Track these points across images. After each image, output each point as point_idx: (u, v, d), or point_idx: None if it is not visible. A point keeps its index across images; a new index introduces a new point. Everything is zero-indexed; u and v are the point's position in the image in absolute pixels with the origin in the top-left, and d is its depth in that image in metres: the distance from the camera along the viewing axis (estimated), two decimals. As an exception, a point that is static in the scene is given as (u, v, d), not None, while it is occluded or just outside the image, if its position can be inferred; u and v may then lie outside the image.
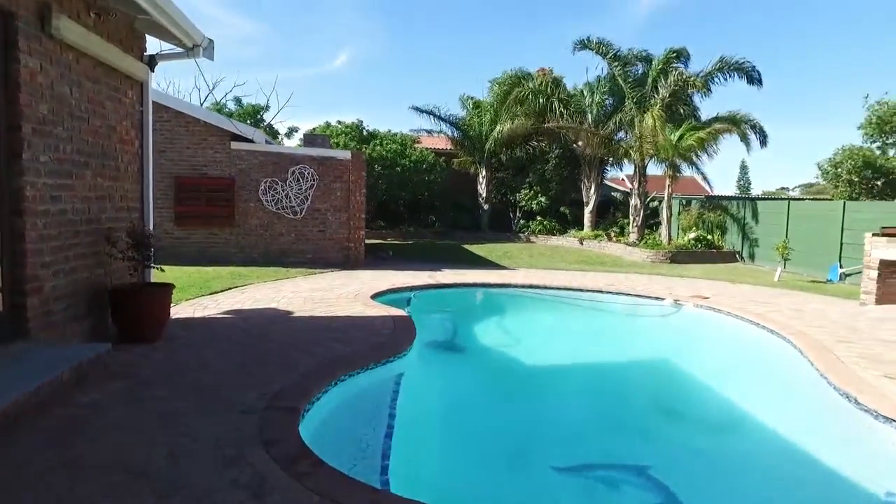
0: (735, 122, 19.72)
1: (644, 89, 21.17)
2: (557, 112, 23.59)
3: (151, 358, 5.87)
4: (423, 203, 26.91)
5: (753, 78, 19.92)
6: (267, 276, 12.25)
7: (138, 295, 6.37)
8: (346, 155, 15.41)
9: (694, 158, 20.80)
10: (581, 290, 11.86)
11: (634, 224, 22.11)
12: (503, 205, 27.55)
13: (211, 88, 32.18)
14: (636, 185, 22.06)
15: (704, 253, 19.68)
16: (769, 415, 6.31)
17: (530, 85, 23.85)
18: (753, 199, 22.83)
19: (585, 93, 24.39)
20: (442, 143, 28.07)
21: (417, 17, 69.67)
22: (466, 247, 22.15)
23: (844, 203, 16.68)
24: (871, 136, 20.93)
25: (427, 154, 25.36)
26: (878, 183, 19.97)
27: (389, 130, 25.92)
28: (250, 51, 52.88)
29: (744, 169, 64.11)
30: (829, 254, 16.41)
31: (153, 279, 7.23)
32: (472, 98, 27.38)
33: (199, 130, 14.27)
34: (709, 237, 20.49)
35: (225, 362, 5.86)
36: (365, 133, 24.58)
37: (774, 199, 30.46)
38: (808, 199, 30.90)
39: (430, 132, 26.99)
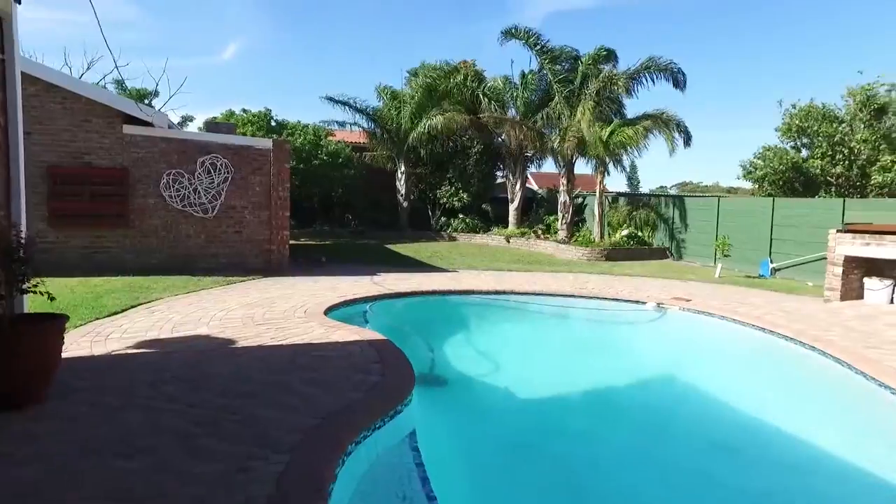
0: (664, 121, 19.36)
1: (572, 85, 20.38)
2: (484, 105, 22.34)
3: (33, 442, 3.65)
4: (337, 200, 24.68)
5: (679, 80, 19.65)
6: (176, 287, 9.79)
7: (8, 337, 4.06)
8: (266, 144, 13.05)
9: (623, 155, 20.29)
10: (554, 294, 10.49)
11: (563, 221, 21.31)
12: (422, 202, 25.93)
13: (87, 67, 27.51)
14: (564, 182, 21.27)
15: (637, 250, 19.20)
16: (850, 447, 5.17)
17: (458, 78, 22.43)
18: (682, 197, 22.85)
19: (509, 87, 23.28)
20: (357, 137, 25.94)
21: (317, 6, 66.14)
22: (390, 247, 20.33)
23: (773, 200, 16.70)
24: (789, 138, 21.53)
25: (343, 147, 23.17)
26: (796, 184, 20.60)
27: (299, 122, 23.42)
28: (133, 35, 47.08)
29: (633, 168, 66.75)
30: (758, 249, 16.35)
31: (29, 308, 4.88)
32: (389, 88, 25.47)
33: (80, 109, 11.36)
34: (639, 234, 20.07)
35: (162, 438, 3.76)
36: (274, 123, 21.97)
37: (702, 195, 31.12)
38: (711, 196, 31.94)
39: (343, 125, 24.71)
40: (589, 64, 20.15)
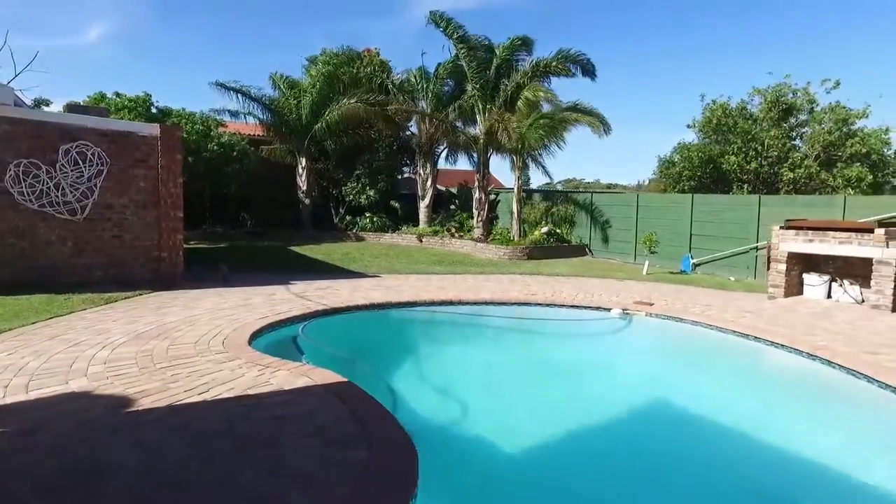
0: (587, 113, 18.86)
1: (487, 75, 19.31)
2: (393, 96, 20.72)
3: None
4: (231, 198, 21.94)
5: (588, 70, 19.20)
6: (31, 312, 7.35)
7: None
8: (152, 130, 10.63)
9: (542, 150, 19.57)
10: (506, 304, 9.18)
11: (479, 219, 20.22)
12: (326, 199, 23.82)
13: None
14: (479, 178, 20.18)
15: (557, 248, 18.53)
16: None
17: (362, 66, 20.61)
18: (600, 193, 22.58)
19: (419, 79, 21.80)
20: (253, 130, 23.24)
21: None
22: (296, 249, 18.18)
23: (693, 196, 16.64)
24: (706, 134, 21.91)
25: (237, 139, 20.52)
26: (709, 179, 20.96)
27: (184, 109, 20.41)
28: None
29: (486, 167, 67.56)
30: (678, 245, 16.22)
31: None
32: (286, 77, 23.03)
33: None
34: (558, 231, 19.45)
35: None
36: (155, 110, 18.89)
37: (616, 192, 31.21)
38: (611, 192, 32.45)
39: (236, 115, 21.91)
40: (504, 55, 19.15)
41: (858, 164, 18.15)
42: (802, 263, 10.86)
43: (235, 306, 8.13)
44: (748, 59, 77.54)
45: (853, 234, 9.73)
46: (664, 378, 6.94)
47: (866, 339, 7.40)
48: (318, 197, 23.45)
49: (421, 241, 21.01)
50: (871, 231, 9.65)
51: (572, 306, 9.15)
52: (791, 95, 18.49)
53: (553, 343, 8.14)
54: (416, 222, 22.81)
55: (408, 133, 23.52)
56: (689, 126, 22.23)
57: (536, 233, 18.85)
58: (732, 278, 14.60)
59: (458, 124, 21.01)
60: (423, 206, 22.42)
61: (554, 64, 18.34)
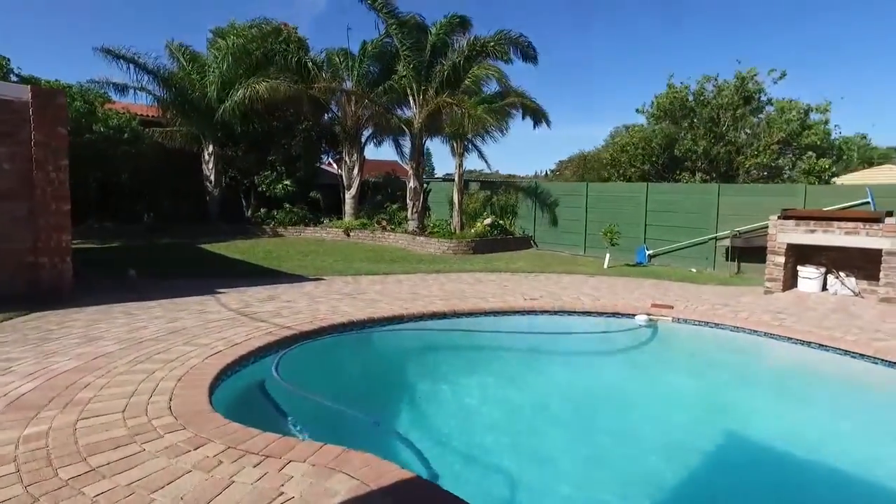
0: (523, 98, 17.44)
1: (423, 55, 17.31)
2: (314, 75, 18.19)
3: None
4: (123, 189, 18.36)
5: (529, 55, 17.80)
6: None
7: None
8: (20, 93, 7.72)
9: (486, 135, 17.94)
10: (510, 312, 7.39)
11: (414, 210, 18.25)
12: (236, 190, 20.74)
13: None
14: (414, 165, 18.20)
15: (502, 240, 17.04)
16: None
17: (279, 42, 17.91)
18: (546, 182, 21.43)
19: (344, 57, 19.35)
20: (143, 110, 19.59)
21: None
22: (206, 247, 15.31)
23: (647, 185, 15.75)
24: (659, 119, 21.16)
25: (128, 119, 17.03)
26: (660, 166, 20.35)
27: (59, 81, 16.59)
28: None
29: (428, 155, 66.36)
30: (633, 236, 15.27)
31: None
32: (187, 48, 19.63)
33: None
34: (501, 223, 17.96)
35: None
36: (16, 79, 15.08)
37: (549, 181, 30.10)
38: (550, 182, 31.53)
39: (125, 90, 18.18)
40: (441, 33, 17.25)
41: (814, 154, 18.32)
42: (795, 255, 10.04)
43: (162, 333, 5.71)
44: (669, 54, 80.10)
45: (860, 224, 8.94)
46: (739, 402, 5.50)
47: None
48: (228, 187, 20.34)
49: (349, 235, 18.74)
50: (879, 221, 8.91)
51: (584, 313, 7.56)
52: (750, 84, 18.23)
53: (590, 364, 6.46)
54: (339, 215, 20.43)
55: (330, 116, 20.99)
56: (638, 111, 21.64)
57: (479, 225, 17.24)
58: (694, 269, 13.80)
59: (389, 106, 18.87)
60: (348, 196, 20.07)
61: (493, 45, 16.74)
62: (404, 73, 17.47)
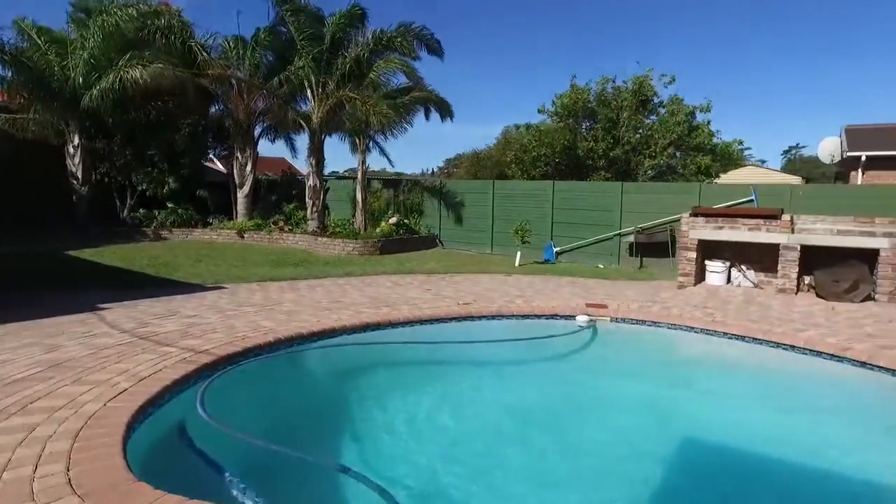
0: (429, 93, 16.96)
1: (322, 46, 16.23)
2: (201, 60, 16.45)
3: None
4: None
5: (434, 49, 17.33)
6: None
7: None
8: None
9: (390, 131, 17.21)
10: (446, 319, 6.82)
11: (314, 210, 17.12)
12: (108, 188, 18.31)
13: None
14: (314, 162, 17.06)
15: (408, 239, 16.44)
16: None
17: (160, 22, 15.98)
18: (451, 180, 20.98)
19: (235, 44, 17.71)
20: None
21: None
22: (77, 254, 13.22)
23: (553, 183, 15.89)
24: (560, 119, 21.26)
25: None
26: (564, 166, 20.61)
27: None
28: None
29: (320, 151, 63.81)
30: (539, 233, 15.35)
31: None
32: (39, 27, 16.94)
33: None
34: (406, 222, 17.34)
35: None
36: None
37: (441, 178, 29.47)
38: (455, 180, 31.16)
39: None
40: (341, 24, 16.27)
41: (702, 153, 19.46)
42: (703, 251, 10.45)
43: (37, 368, 4.52)
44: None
45: (761, 221, 9.45)
46: (696, 400, 5.38)
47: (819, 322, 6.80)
48: (99, 185, 17.89)
49: (242, 237, 17.27)
50: (777, 218, 9.46)
51: (525, 316, 7.22)
52: (646, 86, 18.98)
53: (543, 371, 6.07)
54: (230, 215, 18.79)
55: (219, 108, 19.21)
56: (539, 110, 21.81)
57: (384, 224, 16.52)
58: (601, 265, 14.12)
59: (285, 100, 17.56)
60: (241, 196, 18.49)
61: (399, 39, 16.08)
62: (302, 64, 16.29)
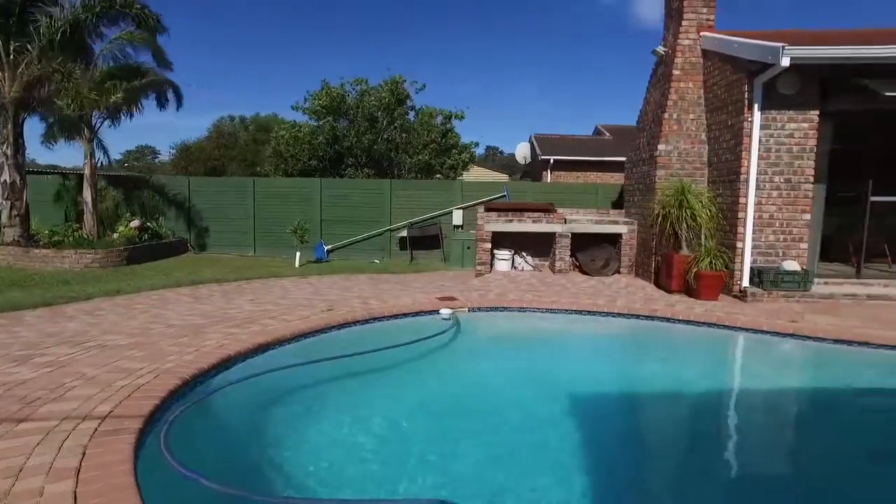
0: (156, 75, 14.36)
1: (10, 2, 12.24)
2: None
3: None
4: None
5: (150, 25, 14.65)
6: None
7: None
8: None
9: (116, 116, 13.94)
10: (324, 330, 6.04)
11: (15, 214, 12.93)
12: None
13: None
14: (11, 151, 12.83)
15: (158, 246, 13.80)
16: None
17: None
18: (199, 177, 17.84)
19: None
20: None
21: None
22: None
23: (321, 180, 15.22)
24: (319, 116, 19.42)
25: None
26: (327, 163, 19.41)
27: None
28: None
29: (19, 136, 48.10)
30: (309, 232, 14.68)
31: None
32: None
33: None
34: (151, 225, 14.46)
35: None
36: None
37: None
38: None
39: None
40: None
41: (457, 153, 20.63)
42: (491, 242, 11.47)
43: None
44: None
45: (542, 214, 10.89)
46: (572, 369, 6.00)
47: (582, 289, 8.39)
48: None
49: None
50: (552, 211, 11.02)
51: (393, 316, 6.93)
52: (400, 88, 19.14)
53: (442, 364, 5.86)
54: None
55: None
56: (294, 108, 20.11)
57: (123, 229, 13.55)
58: (377, 261, 14.28)
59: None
60: None
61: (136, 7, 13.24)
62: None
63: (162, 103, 15.34)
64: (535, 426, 4.42)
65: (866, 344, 6.14)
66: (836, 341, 6.25)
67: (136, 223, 13.80)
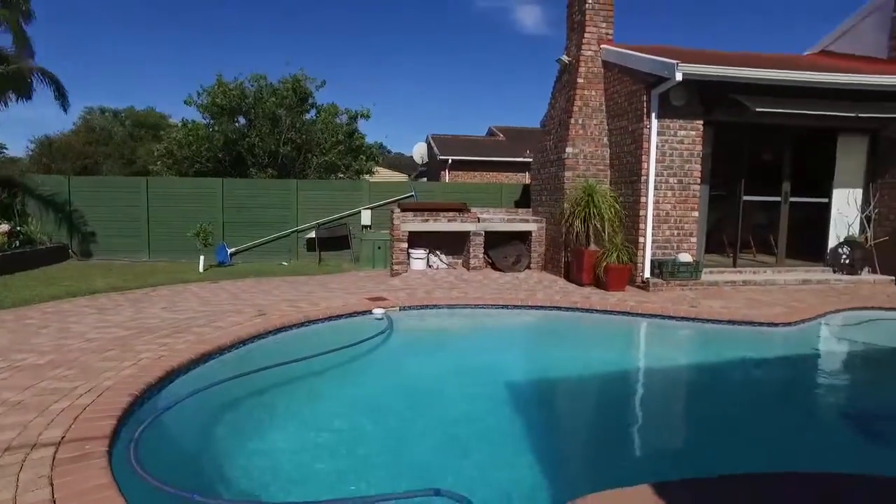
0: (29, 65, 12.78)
1: None
2: None
3: None
4: None
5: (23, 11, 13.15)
6: None
7: None
8: None
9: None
10: (269, 333, 5.77)
11: None
12: None
13: None
14: None
15: (32, 253, 12.24)
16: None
17: None
18: (79, 177, 15.79)
19: None
20: None
21: None
22: None
23: (223, 181, 14.32)
24: (215, 114, 17.72)
25: None
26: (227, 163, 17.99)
27: None
28: None
29: None
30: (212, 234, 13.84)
31: None
32: None
33: None
34: (22, 230, 12.75)
35: None
36: None
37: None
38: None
39: None
40: None
41: (363, 155, 20.05)
42: (408, 241, 11.54)
43: None
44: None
45: (457, 214, 11.15)
46: (504, 357, 6.32)
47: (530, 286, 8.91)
48: None
49: None
50: (466, 211, 11.32)
51: (328, 318, 6.80)
52: (303, 85, 18.21)
53: (383, 363, 5.86)
54: None
55: None
56: (187, 103, 18.35)
57: (-11, 234, 11.89)
58: (285, 263, 13.80)
59: None
60: None
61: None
62: None
63: (27, 94, 13.69)
64: (484, 414, 4.62)
65: (751, 323, 7.08)
66: (730, 322, 7.15)
67: (4, 227, 12.16)
